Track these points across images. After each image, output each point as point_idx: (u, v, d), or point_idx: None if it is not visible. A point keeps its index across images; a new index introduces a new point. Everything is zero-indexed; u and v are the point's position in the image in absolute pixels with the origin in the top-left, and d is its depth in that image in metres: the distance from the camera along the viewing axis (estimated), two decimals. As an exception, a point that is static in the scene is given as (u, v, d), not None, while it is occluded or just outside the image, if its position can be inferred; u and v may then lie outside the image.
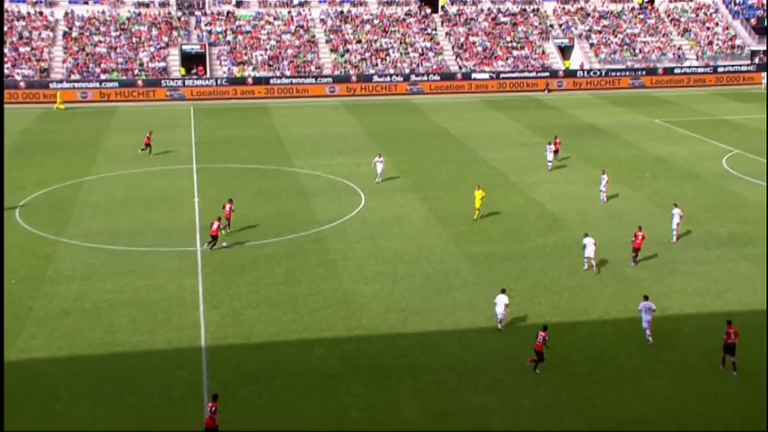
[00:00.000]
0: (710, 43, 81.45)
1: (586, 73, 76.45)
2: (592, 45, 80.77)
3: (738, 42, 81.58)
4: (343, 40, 78.14)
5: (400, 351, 24.22)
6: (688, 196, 39.66)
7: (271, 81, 71.20)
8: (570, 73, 76.58)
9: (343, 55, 76.19)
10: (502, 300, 25.33)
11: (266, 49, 75.04)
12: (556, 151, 45.39)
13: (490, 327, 25.79)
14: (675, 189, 40.92)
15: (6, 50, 70.50)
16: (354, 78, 73.16)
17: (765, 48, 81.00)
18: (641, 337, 24.76)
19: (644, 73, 76.93)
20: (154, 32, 75.29)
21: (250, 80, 70.99)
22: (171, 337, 24.85)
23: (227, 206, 33.45)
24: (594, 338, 25.07)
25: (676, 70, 77.48)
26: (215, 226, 31.19)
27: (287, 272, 29.71)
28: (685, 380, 22.71)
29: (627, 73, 76.72)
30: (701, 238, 33.32)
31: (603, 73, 76.36)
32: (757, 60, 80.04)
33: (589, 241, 29.72)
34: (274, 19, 79.03)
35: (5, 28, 72.28)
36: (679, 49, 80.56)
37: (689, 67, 78.09)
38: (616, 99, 70.40)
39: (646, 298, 25.10)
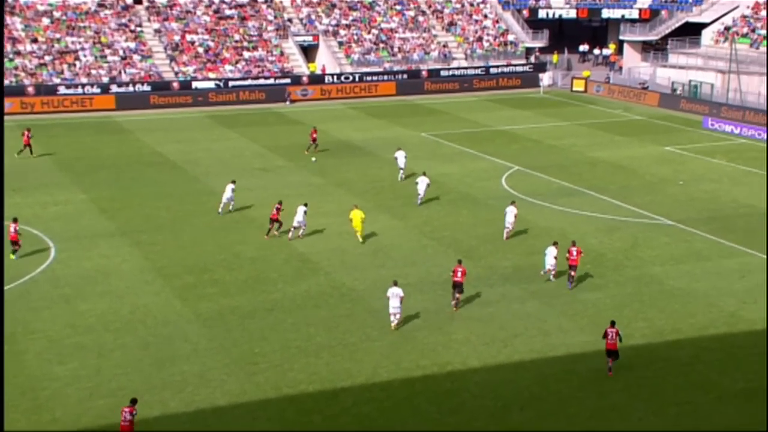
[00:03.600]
0: (480, 39, 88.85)
1: (335, 78, 79.67)
2: (341, 43, 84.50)
3: (511, 38, 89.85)
4: (11, 39, 74.22)
5: (108, 453, 23.17)
6: (465, 224, 42.48)
7: None
8: (316, 79, 79.37)
9: (12, 60, 72.31)
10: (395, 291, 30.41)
11: None
12: (314, 140, 53.47)
13: (230, 404, 25.55)
14: (449, 216, 43.68)
15: None
16: (31, 90, 69.81)
17: (542, 45, 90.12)
18: (418, 402, 25.88)
19: (406, 76, 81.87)
20: None
21: None
22: None
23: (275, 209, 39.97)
24: (361, 407, 25.76)
25: (442, 72, 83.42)
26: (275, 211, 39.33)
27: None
28: (474, 447, 24.07)
29: (386, 77, 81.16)
30: (483, 275, 35.74)
31: (357, 78, 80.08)
32: (533, 59, 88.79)
33: (551, 251, 34.51)
34: None
35: None
36: (444, 47, 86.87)
37: (458, 68, 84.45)
38: (375, 109, 73.98)
39: (395, 283, 30.55)
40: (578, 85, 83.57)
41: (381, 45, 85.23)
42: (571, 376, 27.57)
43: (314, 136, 56.98)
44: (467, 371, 27.94)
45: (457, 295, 32.21)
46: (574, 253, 34.25)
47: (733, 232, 40.82)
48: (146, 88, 72.97)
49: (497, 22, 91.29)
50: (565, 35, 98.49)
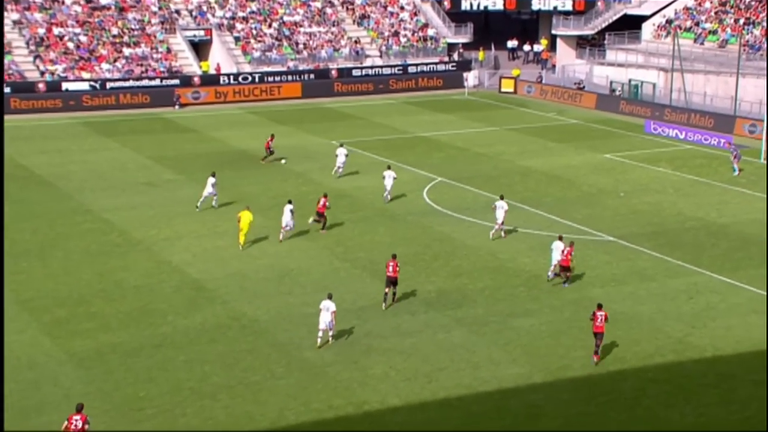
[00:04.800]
0: (396, 34, 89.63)
1: (232, 78, 79.47)
2: (237, 39, 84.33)
3: (431, 32, 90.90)
4: None
5: None
6: (383, 243, 42.71)
7: None
8: (210, 80, 79.18)
9: None
10: None
11: None
12: (267, 148, 55.40)
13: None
14: (364, 235, 43.89)
15: None
16: None
17: (467, 40, 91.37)
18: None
19: (313, 76, 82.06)
20: None
21: None
22: None
23: (322, 200, 43.84)
24: (267, 456, 25.63)
25: (354, 72, 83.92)
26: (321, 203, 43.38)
27: None
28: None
29: (290, 78, 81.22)
30: (404, 301, 35.98)
31: (256, 79, 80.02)
32: (456, 56, 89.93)
33: (558, 246, 37.51)
34: None
35: None
36: (356, 43, 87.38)
37: (372, 67, 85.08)
38: (278, 114, 73.93)
39: (329, 296, 32.13)
40: (507, 86, 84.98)
41: (284, 41, 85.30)
42: (503, 414, 27.88)
43: (269, 143, 57.42)
44: (387, 411, 27.98)
45: (393, 291, 35.19)
46: (565, 252, 37.18)
47: (680, 248, 41.91)
48: (5, 89, 71.47)
49: (415, 14, 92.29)
50: (491, 30, 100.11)
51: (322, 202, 43.95)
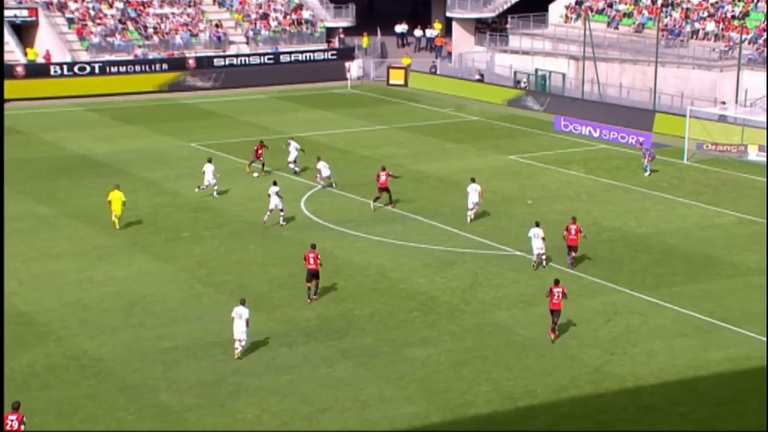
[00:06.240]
0: (265, 17, 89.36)
1: (66, 69, 78.52)
2: (71, 21, 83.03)
3: (306, 15, 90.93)
4: None
5: None
6: (253, 263, 42.52)
7: None
8: (38, 70, 78.28)
9: None
10: None
11: None
12: (259, 157, 56.00)
13: None
14: (231, 254, 43.62)
15: None
16: None
17: (348, 24, 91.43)
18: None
19: (166, 66, 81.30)
20: None
21: None
22: None
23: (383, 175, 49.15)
24: None
25: (216, 62, 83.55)
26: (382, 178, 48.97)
27: None
28: None
29: (138, 68, 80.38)
30: (279, 331, 35.67)
31: (97, 69, 79.31)
32: (336, 42, 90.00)
33: (537, 233, 41.22)
34: None
35: None
36: (217, 27, 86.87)
37: (237, 56, 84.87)
38: (125, 112, 73.18)
39: (242, 302, 35.46)
40: (396, 77, 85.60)
41: (129, 24, 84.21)
42: (396, 460, 27.97)
43: (260, 151, 56.28)
44: (259, 463, 27.90)
45: (316, 284, 38.23)
46: (573, 231, 41.00)
47: (596, 263, 42.67)
48: None
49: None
50: (377, 12, 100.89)
51: (384, 177, 48.78)
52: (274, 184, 47.07)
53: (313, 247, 38.46)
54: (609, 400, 31.22)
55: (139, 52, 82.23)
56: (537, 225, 41.90)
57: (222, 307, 37.59)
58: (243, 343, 33.35)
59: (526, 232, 42.06)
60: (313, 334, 35.78)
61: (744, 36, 72.43)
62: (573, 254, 41.65)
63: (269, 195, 46.64)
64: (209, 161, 51.62)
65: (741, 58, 69.80)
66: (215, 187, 51.13)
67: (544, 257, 41.72)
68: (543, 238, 41.21)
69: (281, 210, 46.96)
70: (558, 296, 34.32)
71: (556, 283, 34.87)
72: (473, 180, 48.25)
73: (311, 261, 37.95)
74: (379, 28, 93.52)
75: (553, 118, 71.10)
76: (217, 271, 41.58)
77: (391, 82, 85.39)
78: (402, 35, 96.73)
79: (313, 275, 38.19)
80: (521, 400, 31.09)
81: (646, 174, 56.49)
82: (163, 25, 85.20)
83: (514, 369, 32.88)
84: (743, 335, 35.44)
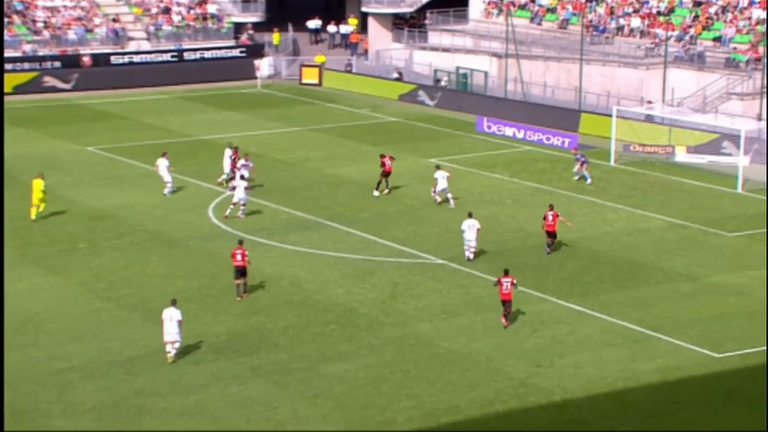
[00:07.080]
0: (167, 11, 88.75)
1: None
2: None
3: (212, 9, 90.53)
4: None
5: None
6: (157, 276, 42.30)
7: None
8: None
9: None
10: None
11: None
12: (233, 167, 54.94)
13: None
14: (133, 266, 43.32)
15: None
16: None
17: (258, 19, 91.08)
18: None
19: (58, 64, 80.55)
20: None
21: None
22: None
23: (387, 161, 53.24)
24: None
25: (114, 59, 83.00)
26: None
27: None
28: None
29: (27, 66, 79.81)
30: (185, 347, 35.35)
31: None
32: (245, 39, 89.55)
33: (471, 224, 43.32)
34: None
35: None
36: (115, 21, 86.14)
37: (137, 52, 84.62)
38: (12, 113, 71.76)
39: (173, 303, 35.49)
40: (310, 76, 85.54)
41: (15, 17, 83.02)
42: (313, 483, 27.92)
43: (235, 161, 54.96)
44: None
45: (244, 282, 39.42)
46: (550, 217, 44.24)
47: (521, 271, 42.85)
48: None
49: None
50: (288, 6, 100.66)
51: (388, 163, 53.40)
52: (242, 178, 49.73)
53: (241, 243, 40.01)
54: (535, 414, 31.51)
55: (27, 48, 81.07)
56: (470, 216, 43.85)
57: (122, 323, 37.34)
58: (176, 346, 33.87)
59: (459, 225, 43.79)
60: (222, 350, 35.60)
61: (669, 33, 73.46)
62: (550, 240, 44.78)
63: (235, 187, 49.30)
64: (163, 155, 52.63)
65: (667, 56, 70.78)
66: (168, 185, 52.40)
67: (473, 251, 43.36)
68: (478, 229, 43.51)
69: (243, 204, 48.80)
70: (507, 286, 36.66)
71: (506, 272, 37.08)
72: (438, 167, 53.01)
73: (239, 258, 39.20)
74: (291, 24, 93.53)
75: (474, 118, 71.34)
76: (116, 285, 41.17)
77: (304, 81, 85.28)
78: (315, 31, 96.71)
79: (241, 272, 39.45)
80: (444, 416, 31.21)
81: (588, 182, 56.46)
82: (54, 19, 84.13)
83: (437, 384, 32.97)
84: (673, 344, 35.99)
